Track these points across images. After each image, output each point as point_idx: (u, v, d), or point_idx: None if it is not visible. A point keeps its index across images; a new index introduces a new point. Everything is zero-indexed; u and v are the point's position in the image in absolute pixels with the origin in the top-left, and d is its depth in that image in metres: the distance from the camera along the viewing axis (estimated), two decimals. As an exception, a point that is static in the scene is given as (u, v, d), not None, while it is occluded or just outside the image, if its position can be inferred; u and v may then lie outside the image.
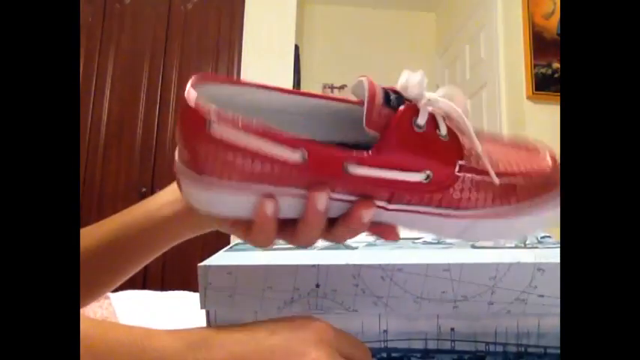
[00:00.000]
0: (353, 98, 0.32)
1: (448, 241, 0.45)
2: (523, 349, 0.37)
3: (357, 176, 0.28)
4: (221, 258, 0.41)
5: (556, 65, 2.09)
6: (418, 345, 0.37)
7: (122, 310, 0.95)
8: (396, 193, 0.29)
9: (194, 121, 0.26)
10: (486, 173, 0.30)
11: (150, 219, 0.40)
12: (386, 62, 3.40)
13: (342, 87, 3.36)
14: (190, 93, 0.27)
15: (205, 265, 0.39)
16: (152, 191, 2.29)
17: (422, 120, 0.29)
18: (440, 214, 0.30)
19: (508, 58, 2.32)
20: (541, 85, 2.08)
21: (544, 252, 0.39)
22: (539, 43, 2.11)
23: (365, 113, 0.28)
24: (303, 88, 3.02)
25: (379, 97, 0.29)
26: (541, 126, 2.08)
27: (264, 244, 0.30)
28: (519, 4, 2.18)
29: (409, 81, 0.29)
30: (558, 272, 0.36)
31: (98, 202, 2.24)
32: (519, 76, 2.16)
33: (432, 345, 0.37)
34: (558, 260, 0.36)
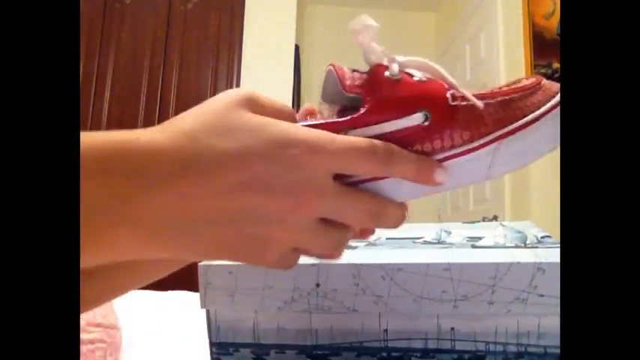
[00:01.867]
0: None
1: (448, 241, 0.45)
2: (523, 349, 0.37)
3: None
4: None
5: (556, 65, 2.09)
6: (418, 344, 0.37)
7: (122, 309, 0.95)
8: (409, 146, 0.29)
9: None
10: (480, 97, 0.30)
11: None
12: (386, 62, 3.40)
13: (342, 87, 3.36)
14: None
15: (206, 265, 0.39)
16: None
17: (394, 69, 0.29)
18: (466, 151, 0.30)
19: (508, 58, 2.32)
20: (541, 85, 2.08)
21: (544, 252, 0.39)
22: (539, 43, 2.11)
23: (338, 80, 0.29)
24: (303, 88, 3.02)
25: (347, 68, 0.30)
26: (541, 126, 2.08)
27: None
28: (519, 5, 2.18)
29: (371, 49, 0.30)
30: (558, 272, 0.36)
31: (98, 202, 2.24)
32: (520, 76, 2.16)
33: (432, 344, 0.37)
34: (558, 260, 0.36)
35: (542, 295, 0.36)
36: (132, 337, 0.94)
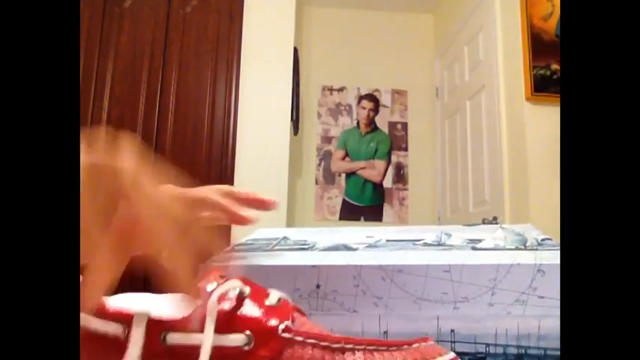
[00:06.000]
0: None
1: (448, 243, 0.45)
2: (523, 351, 0.37)
3: (178, 346, 0.27)
4: (222, 258, 0.41)
5: (555, 66, 2.10)
6: (418, 346, 0.37)
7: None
8: None
9: None
10: (322, 338, 0.28)
11: None
12: (385, 64, 3.41)
13: (341, 89, 3.36)
14: None
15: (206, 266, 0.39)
16: (151, 193, 2.29)
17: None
18: None
19: (507, 59, 2.33)
20: (540, 86, 2.09)
21: (544, 253, 0.39)
22: (537, 44, 2.12)
23: None
24: (302, 91, 3.02)
25: None
26: (540, 127, 2.08)
27: None
28: (517, 6, 2.19)
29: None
30: (558, 274, 0.36)
31: (97, 204, 2.24)
32: (518, 77, 2.17)
33: (432, 346, 0.37)
34: (558, 262, 0.36)
35: (542, 297, 0.36)
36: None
